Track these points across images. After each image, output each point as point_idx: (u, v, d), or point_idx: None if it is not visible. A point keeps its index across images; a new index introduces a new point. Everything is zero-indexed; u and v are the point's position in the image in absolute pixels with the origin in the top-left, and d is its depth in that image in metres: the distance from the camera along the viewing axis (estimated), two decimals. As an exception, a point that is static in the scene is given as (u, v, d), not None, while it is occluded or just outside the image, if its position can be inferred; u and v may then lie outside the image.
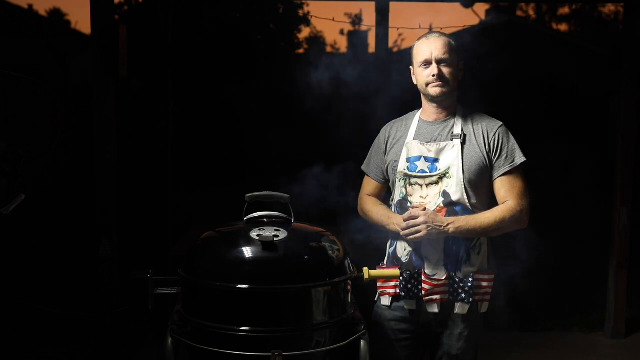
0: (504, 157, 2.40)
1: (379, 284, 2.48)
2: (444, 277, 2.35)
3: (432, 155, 2.40)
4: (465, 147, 2.39)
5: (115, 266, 3.70)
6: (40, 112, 4.86)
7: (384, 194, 2.62)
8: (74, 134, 4.60)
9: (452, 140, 2.40)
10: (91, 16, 3.60)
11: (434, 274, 2.36)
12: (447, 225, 2.30)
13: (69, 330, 4.21)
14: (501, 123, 2.46)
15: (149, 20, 5.29)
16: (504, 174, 2.39)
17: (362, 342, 1.92)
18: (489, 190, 2.43)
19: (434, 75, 2.38)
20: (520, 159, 2.41)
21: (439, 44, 2.38)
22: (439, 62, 2.38)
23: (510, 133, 2.45)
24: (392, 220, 2.43)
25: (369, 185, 2.63)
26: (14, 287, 4.16)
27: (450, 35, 2.46)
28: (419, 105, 2.55)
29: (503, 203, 2.38)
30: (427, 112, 2.49)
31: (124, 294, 3.70)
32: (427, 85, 2.41)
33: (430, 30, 2.74)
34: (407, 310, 2.43)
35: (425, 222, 2.29)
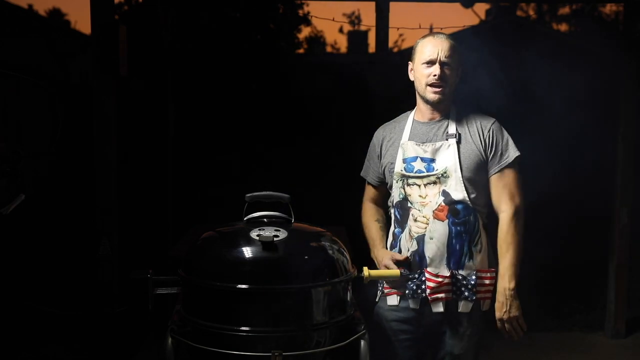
0: (499, 153, 2.41)
1: (385, 284, 2.48)
2: (447, 275, 2.36)
3: (428, 155, 2.40)
4: (462, 146, 2.40)
5: (115, 266, 3.70)
6: (40, 112, 4.88)
7: (385, 196, 2.62)
8: (74, 134, 4.60)
9: (447, 140, 2.40)
10: (91, 16, 3.60)
11: (437, 272, 2.37)
12: (511, 291, 2.36)
13: (70, 330, 4.22)
14: (494, 119, 2.47)
15: (149, 21, 5.30)
16: (499, 171, 2.41)
17: (362, 342, 1.92)
18: (488, 186, 2.44)
19: (435, 75, 2.38)
20: (515, 153, 2.42)
21: (445, 46, 2.38)
22: (442, 63, 2.38)
23: (503, 128, 2.46)
24: (375, 252, 2.51)
25: (369, 190, 2.66)
26: (14, 287, 4.16)
27: (451, 36, 2.46)
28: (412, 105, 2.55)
29: (499, 210, 2.41)
30: (421, 112, 2.50)
31: (124, 294, 3.70)
32: (427, 85, 2.41)
33: (431, 30, 2.75)
34: (412, 310, 2.43)
35: (509, 320, 2.38)
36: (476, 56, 2.75)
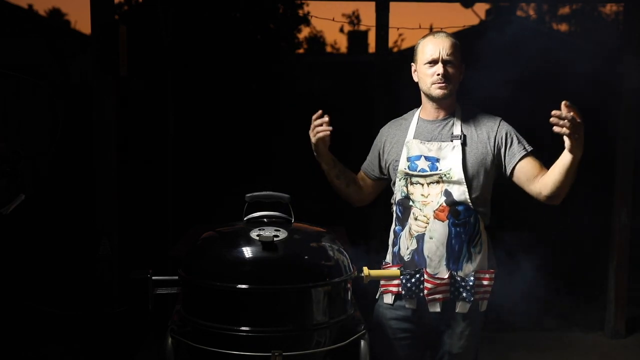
0: (516, 143, 2.40)
1: (382, 282, 2.49)
2: (446, 276, 2.36)
3: (432, 154, 2.40)
4: (467, 147, 2.40)
5: (115, 266, 3.70)
6: (40, 112, 4.87)
7: (367, 187, 2.66)
8: (74, 134, 4.60)
9: (452, 141, 2.40)
10: (91, 16, 3.60)
11: (436, 273, 2.37)
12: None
13: (70, 330, 4.22)
14: (500, 118, 2.47)
15: (149, 21, 5.30)
16: (523, 157, 2.38)
17: (362, 342, 1.92)
18: (490, 188, 2.44)
19: (438, 74, 2.37)
20: (529, 146, 2.42)
21: (446, 44, 2.38)
22: (445, 62, 2.37)
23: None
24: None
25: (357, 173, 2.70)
26: (14, 287, 4.16)
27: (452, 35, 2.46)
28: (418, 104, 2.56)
29: (540, 176, 2.34)
30: (427, 110, 2.50)
31: (124, 294, 3.70)
32: (431, 84, 2.41)
33: (431, 30, 2.75)
34: (409, 309, 2.44)
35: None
36: (477, 55, 2.76)
